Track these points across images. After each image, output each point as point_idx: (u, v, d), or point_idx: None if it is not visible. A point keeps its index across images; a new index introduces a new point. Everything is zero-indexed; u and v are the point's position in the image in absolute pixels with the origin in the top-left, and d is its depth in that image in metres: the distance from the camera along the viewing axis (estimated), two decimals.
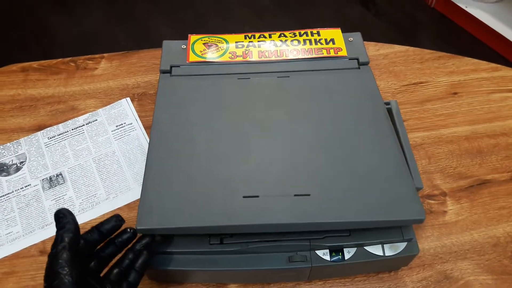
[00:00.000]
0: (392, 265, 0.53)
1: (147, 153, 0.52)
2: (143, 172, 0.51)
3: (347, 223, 0.47)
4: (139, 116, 0.70)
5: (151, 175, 0.50)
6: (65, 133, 0.68)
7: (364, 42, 0.66)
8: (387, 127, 0.55)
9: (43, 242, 0.57)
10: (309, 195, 0.47)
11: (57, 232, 0.39)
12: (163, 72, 0.62)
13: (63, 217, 0.39)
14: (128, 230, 0.45)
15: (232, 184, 0.49)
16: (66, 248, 0.37)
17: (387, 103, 0.63)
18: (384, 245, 0.49)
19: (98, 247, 0.44)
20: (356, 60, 0.64)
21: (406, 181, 0.49)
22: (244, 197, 0.47)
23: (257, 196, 0.47)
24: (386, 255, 0.49)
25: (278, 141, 0.53)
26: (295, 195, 0.47)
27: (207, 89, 0.60)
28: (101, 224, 0.44)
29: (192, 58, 0.64)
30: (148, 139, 0.66)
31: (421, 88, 0.73)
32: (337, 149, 0.52)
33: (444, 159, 0.65)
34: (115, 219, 0.44)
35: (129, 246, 0.46)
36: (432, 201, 0.61)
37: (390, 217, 0.46)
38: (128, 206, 0.60)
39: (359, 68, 0.63)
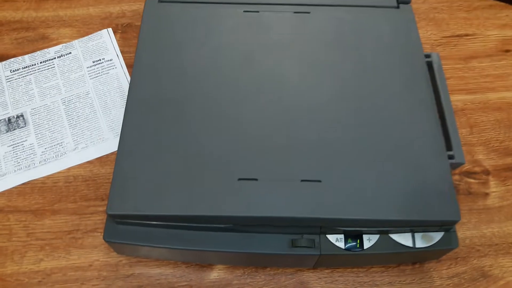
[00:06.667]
0: (420, 257, 0.43)
1: (124, 115, 0.42)
2: (121, 121, 0.41)
3: (364, 221, 0.37)
4: (121, 52, 0.57)
5: (126, 145, 0.40)
6: (32, 66, 0.56)
7: None
8: (426, 91, 0.44)
9: None
10: (320, 181, 0.38)
11: None
12: None
13: None
14: None
15: (226, 161, 0.39)
16: None
17: (428, 55, 0.51)
18: (415, 233, 0.39)
19: None
20: None
21: (441, 171, 0.39)
22: (239, 179, 0.37)
23: (256, 179, 0.38)
24: (416, 246, 0.38)
25: (287, 103, 0.42)
26: (302, 181, 0.38)
27: (204, 25, 0.48)
28: None
29: None
30: (129, 80, 0.55)
31: (466, 41, 0.61)
32: (359, 119, 0.42)
33: (489, 130, 0.53)
34: None
35: None
36: (472, 180, 0.50)
37: (419, 216, 0.37)
38: (100, 160, 0.50)
39: (398, 7, 0.50)
